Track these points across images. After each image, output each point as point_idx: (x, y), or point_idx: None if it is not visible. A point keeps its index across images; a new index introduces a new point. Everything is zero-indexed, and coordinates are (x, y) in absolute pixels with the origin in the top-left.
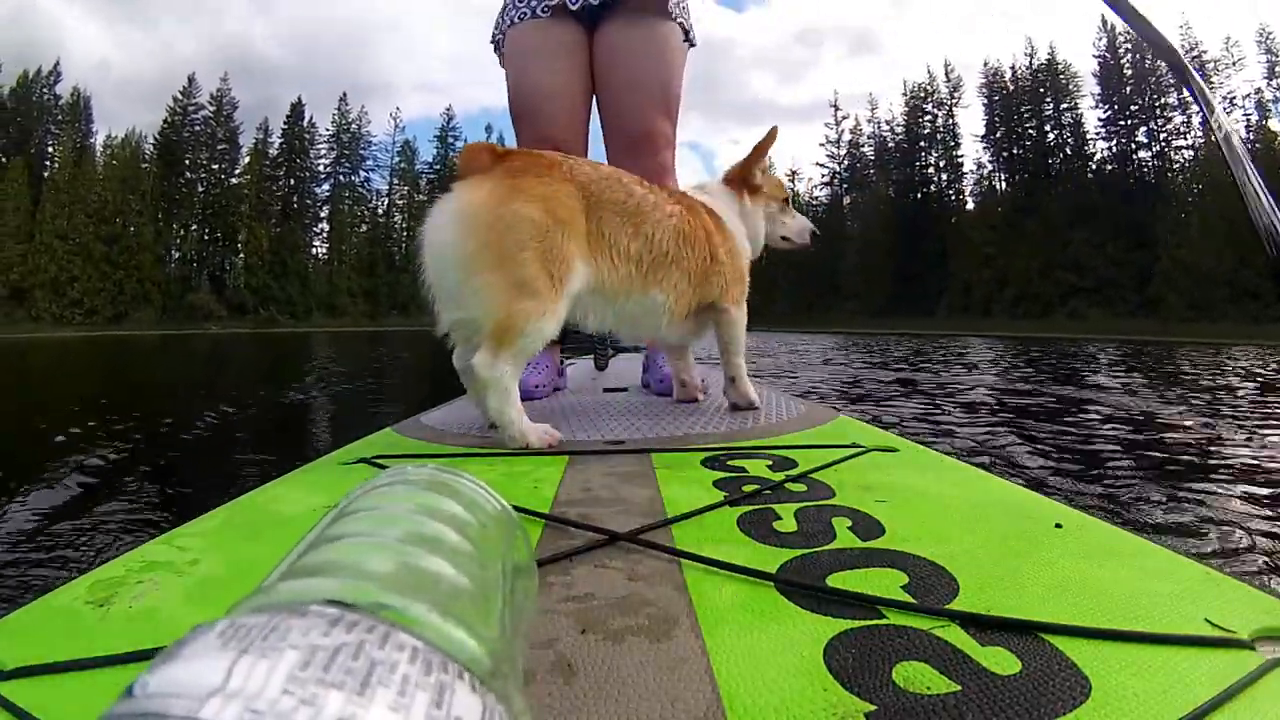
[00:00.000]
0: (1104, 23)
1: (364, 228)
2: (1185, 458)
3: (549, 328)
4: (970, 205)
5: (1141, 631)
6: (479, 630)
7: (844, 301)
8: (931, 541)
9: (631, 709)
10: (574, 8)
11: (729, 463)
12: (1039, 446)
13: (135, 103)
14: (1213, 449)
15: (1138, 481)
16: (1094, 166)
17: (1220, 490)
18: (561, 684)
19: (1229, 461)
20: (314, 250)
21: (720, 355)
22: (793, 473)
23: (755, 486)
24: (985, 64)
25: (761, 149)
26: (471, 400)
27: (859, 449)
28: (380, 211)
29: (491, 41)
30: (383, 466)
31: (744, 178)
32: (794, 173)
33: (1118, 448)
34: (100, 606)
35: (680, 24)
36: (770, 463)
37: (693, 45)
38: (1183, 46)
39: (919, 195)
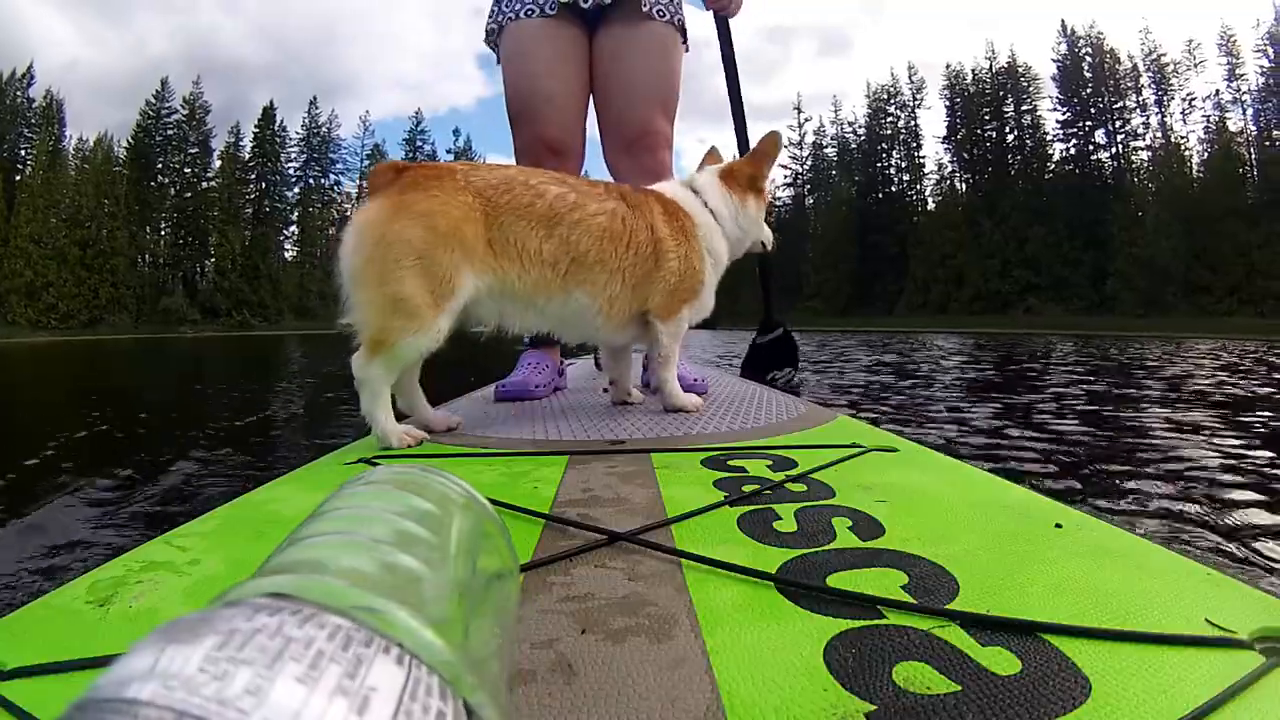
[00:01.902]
0: (1064, 27)
1: (333, 230)
2: None
3: (424, 343)
4: (931, 205)
5: (1141, 631)
6: (422, 609)
7: (806, 300)
8: (931, 541)
9: (631, 709)
10: (585, 5)
11: (729, 463)
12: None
13: (104, 102)
14: None
15: None
16: (1051, 167)
17: None
18: (561, 684)
19: None
20: (285, 253)
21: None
22: (793, 473)
23: (755, 486)
24: (948, 66)
25: (767, 153)
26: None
27: (859, 449)
28: (350, 214)
29: (486, 31)
30: None
31: (754, 178)
32: None
33: None
34: (100, 606)
35: (679, 26)
36: (770, 463)
37: (687, 49)
38: (1143, 49)
39: (880, 195)
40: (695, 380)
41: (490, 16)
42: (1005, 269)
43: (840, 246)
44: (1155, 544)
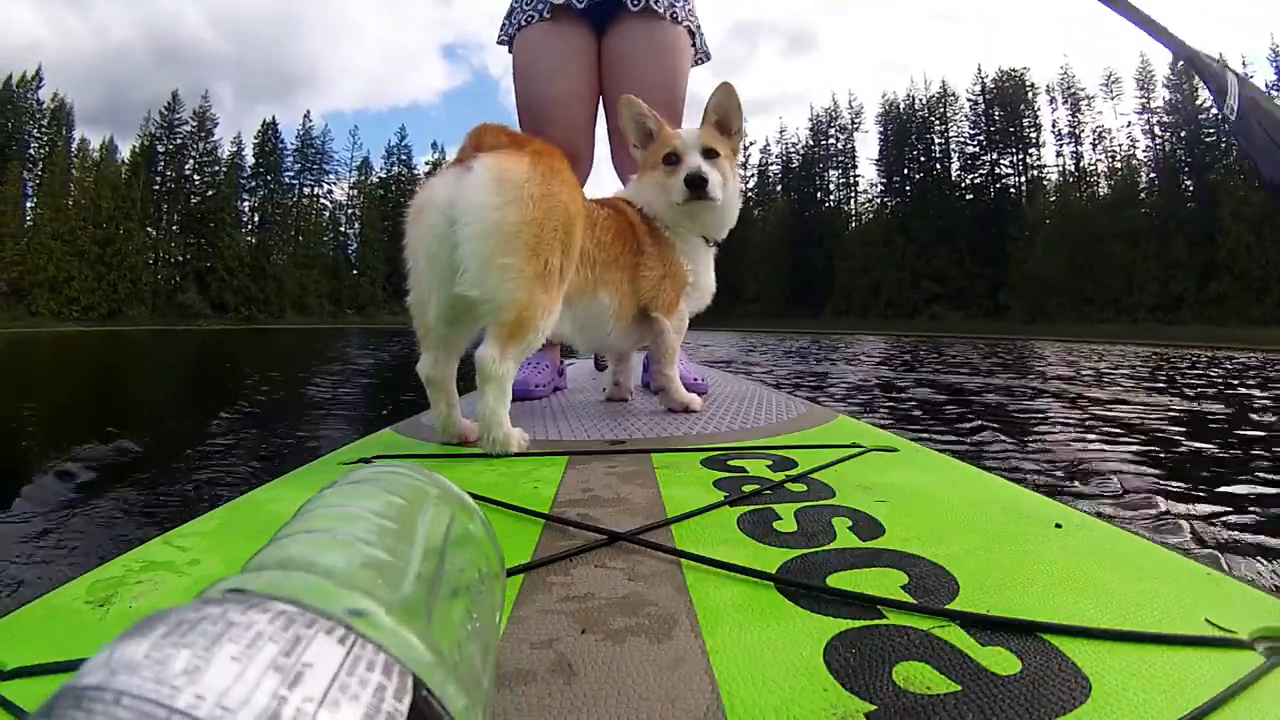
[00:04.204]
0: (979, 70)
1: (327, 236)
2: None
3: (551, 327)
4: (860, 221)
5: (1141, 631)
6: (374, 593)
7: (745, 304)
8: (931, 541)
9: (631, 709)
10: (580, 6)
11: (729, 463)
12: None
13: (69, 86)
14: None
15: None
16: (961, 190)
17: None
18: (561, 684)
19: None
20: (286, 253)
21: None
22: (793, 473)
23: (755, 486)
24: (883, 95)
25: (620, 127)
26: (436, 410)
27: (859, 449)
28: (341, 221)
29: (501, 40)
30: None
31: (624, 158)
32: None
33: None
34: (100, 606)
35: (687, 27)
36: (770, 463)
37: (699, 55)
38: (1061, 80)
39: (810, 213)
40: (696, 380)
41: (503, 28)
42: (915, 280)
43: (777, 256)
44: (1155, 544)
